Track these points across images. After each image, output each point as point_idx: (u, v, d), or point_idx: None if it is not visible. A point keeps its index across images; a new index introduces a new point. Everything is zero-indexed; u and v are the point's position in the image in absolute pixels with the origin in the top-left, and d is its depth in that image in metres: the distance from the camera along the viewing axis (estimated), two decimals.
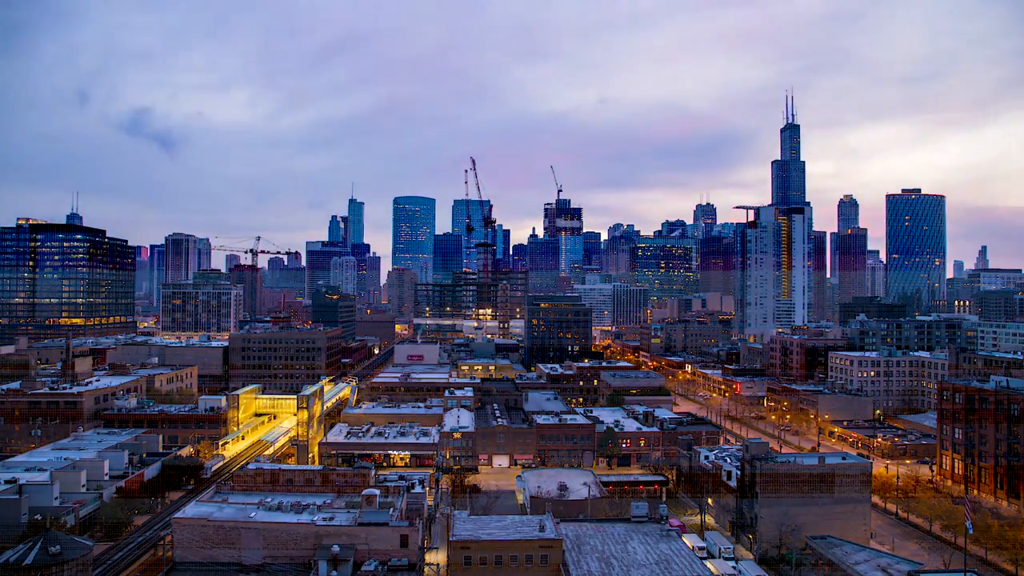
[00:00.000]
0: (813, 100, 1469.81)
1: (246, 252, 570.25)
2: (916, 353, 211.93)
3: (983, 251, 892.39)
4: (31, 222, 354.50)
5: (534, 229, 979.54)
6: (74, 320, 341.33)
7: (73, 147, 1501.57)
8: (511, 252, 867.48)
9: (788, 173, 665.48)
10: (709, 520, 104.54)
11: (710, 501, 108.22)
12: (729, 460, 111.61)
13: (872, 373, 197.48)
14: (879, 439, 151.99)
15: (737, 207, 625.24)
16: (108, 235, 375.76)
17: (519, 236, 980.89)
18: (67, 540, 60.78)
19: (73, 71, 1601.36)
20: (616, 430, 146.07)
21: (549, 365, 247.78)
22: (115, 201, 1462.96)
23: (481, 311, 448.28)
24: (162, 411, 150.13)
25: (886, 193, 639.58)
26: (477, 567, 72.66)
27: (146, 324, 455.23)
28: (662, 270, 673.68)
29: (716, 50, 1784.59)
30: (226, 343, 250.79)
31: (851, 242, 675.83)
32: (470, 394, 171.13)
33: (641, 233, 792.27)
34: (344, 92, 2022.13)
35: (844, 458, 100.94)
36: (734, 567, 79.62)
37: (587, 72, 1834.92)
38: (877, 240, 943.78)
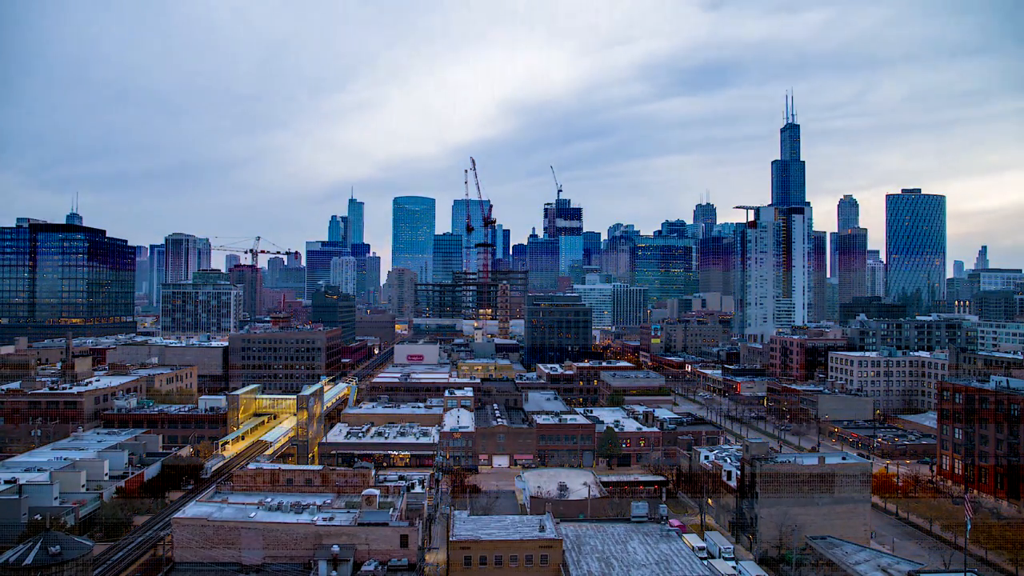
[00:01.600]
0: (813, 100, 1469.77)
1: (246, 252, 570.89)
2: (916, 353, 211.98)
3: (983, 251, 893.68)
4: (31, 222, 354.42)
5: (534, 229, 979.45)
6: (74, 320, 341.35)
7: (73, 144, 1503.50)
8: (511, 252, 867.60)
9: (788, 173, 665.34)
10: (709, 520, 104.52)
11: (710, 501, 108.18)
12: (729, 460, 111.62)
13: (872, 373, 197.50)
14: (879, 439, 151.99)
15: (737, 207, 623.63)
16: (108, 235, 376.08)
17: (519, 236, 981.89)
18: (67, 540, 60.68)
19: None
20: (616, 430, 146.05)
21: (549, 365, 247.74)
22: (115, 201, 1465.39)
23: (481, 311, 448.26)
24: (162, 411, 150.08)
25: (886, 193, 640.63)
26: (477, 567, 72.66)
27: (146, 324, 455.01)
28: (662, 270, 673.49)
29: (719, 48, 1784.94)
30: (226, 343, 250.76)
31: (851, 242, 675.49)
32: (470, 394, 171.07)
33: (641, 233, 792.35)
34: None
35: (844, 458, 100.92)
36: (734, 567, 79.58)
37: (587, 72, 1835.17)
38: (877, 240, 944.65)
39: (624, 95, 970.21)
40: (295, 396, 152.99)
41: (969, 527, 78.05)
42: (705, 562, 76.13)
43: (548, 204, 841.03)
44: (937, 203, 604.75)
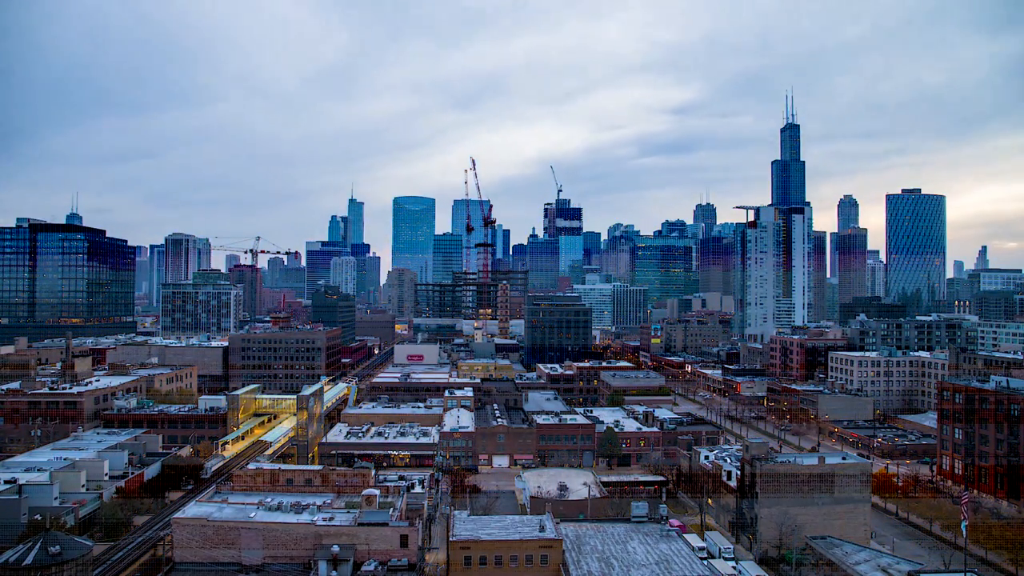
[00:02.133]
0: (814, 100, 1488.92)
1: (246, 252, 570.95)
2: (916, 353, 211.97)
3: (983, 251, 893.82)
4: (31, 222, 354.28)
5: (534, 229, 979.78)
6: (74, 320, 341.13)
7: (74, 144, 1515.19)
8: (511, 252, 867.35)
9: (788, 173, 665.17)
10: (709, 520, 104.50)
11: (710, 501, 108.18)
12: (729, 460, 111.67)
13: (872, 373, 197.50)
14: (879, 439, 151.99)
15: (737, 207, 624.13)
16: (108, 235, 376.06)
17: (519, 236, 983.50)
18: (67, 540, 60.69)
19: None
20: (616, 430, 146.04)
21: (549, 365, 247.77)
22: (115, 201, 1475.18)
23: (481, 311, 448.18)
24: (162, 411, 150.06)
25: (886, 193, 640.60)
26: (477, 567, 72.65)
27: (146, 324, 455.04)
28: (662, 270, 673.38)
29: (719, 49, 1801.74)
30: (226, 343, 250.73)
31: (851, 242, 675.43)
32: (470, 394, 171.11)
33: (641, 233, 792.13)
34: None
35: (844, 458, 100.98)
36: (734, 567, 79.54)
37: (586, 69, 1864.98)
38: (877, 240, 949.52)
39: (619, 155, 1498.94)
40: (295, 396, 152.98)
41: (965, 527, 77.97)
42: (705, 562, 76.11)
43: (548, 204, 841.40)
44: (937, 203, 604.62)
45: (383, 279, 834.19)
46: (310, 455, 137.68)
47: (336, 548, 66.60)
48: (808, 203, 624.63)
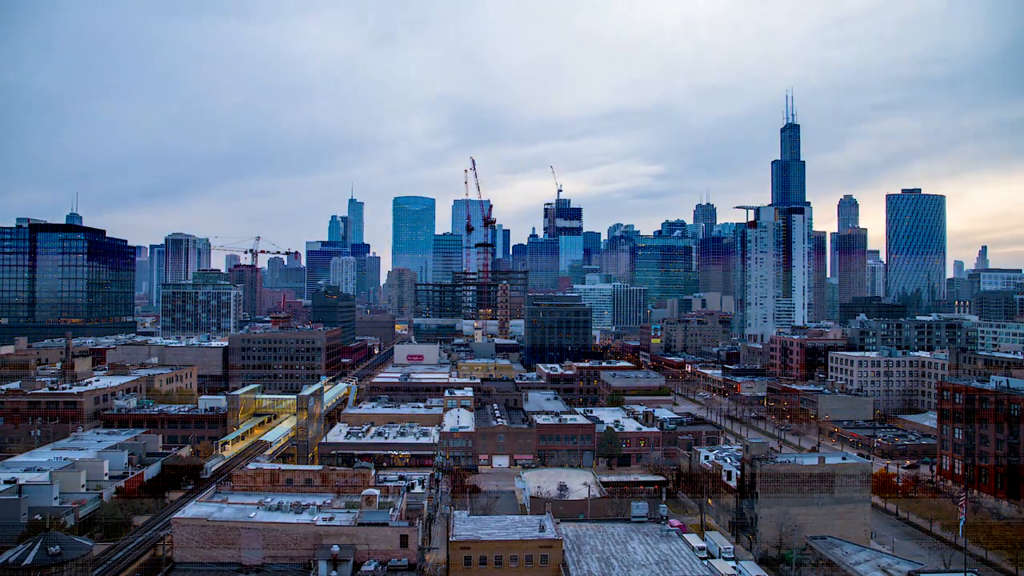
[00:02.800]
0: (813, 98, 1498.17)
1: (246, 252, 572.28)
2: (916, 353, 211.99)
3: (983, 251, 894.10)
4: (31, 222, 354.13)
5: (534, 229, 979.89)
6: (74, 320, 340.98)
7: (76, 145, 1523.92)
8: (511, 252, 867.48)
9: (788, 173, 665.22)
10: (709, 520, 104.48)
11: (710, 501, 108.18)
12: (729, 460, 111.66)
13: (872, 373, 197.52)
14: (879, 439, 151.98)
15: (737, 207, 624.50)
16: (108, 235, 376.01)
17: (519, 236, 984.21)
18: (67, 540, 60.67)
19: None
20: (616, 430, 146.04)
21: (549, 365, 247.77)
22: (115, 201, 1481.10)
23: (481, 311, 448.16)
24: (162, 411, 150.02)
25: (886, 192, 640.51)
26: (477, 567, 72.66)
27: (146, 324, 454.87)
28: (662, 270, 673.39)
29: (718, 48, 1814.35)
30: (226, 343, 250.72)
31: (851, 242, 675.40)
32: (470, 394, 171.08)
33: (641, 233, 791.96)
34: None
35: (844, 458, 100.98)
36: (734, 567, 79.56)
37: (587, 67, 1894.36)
38: (877, 240, 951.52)
39: (615, 197, 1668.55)
40: (295, 396, 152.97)
41: (963, 523, 77.97)
42: (705, 562, 76.11)
43: (548, 204, 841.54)
44: (937, 203, 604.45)
45: (383, 279, 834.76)
46: (310, 455, 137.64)
47: (336, 548, 66.60)
48: (808, 203, 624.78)
